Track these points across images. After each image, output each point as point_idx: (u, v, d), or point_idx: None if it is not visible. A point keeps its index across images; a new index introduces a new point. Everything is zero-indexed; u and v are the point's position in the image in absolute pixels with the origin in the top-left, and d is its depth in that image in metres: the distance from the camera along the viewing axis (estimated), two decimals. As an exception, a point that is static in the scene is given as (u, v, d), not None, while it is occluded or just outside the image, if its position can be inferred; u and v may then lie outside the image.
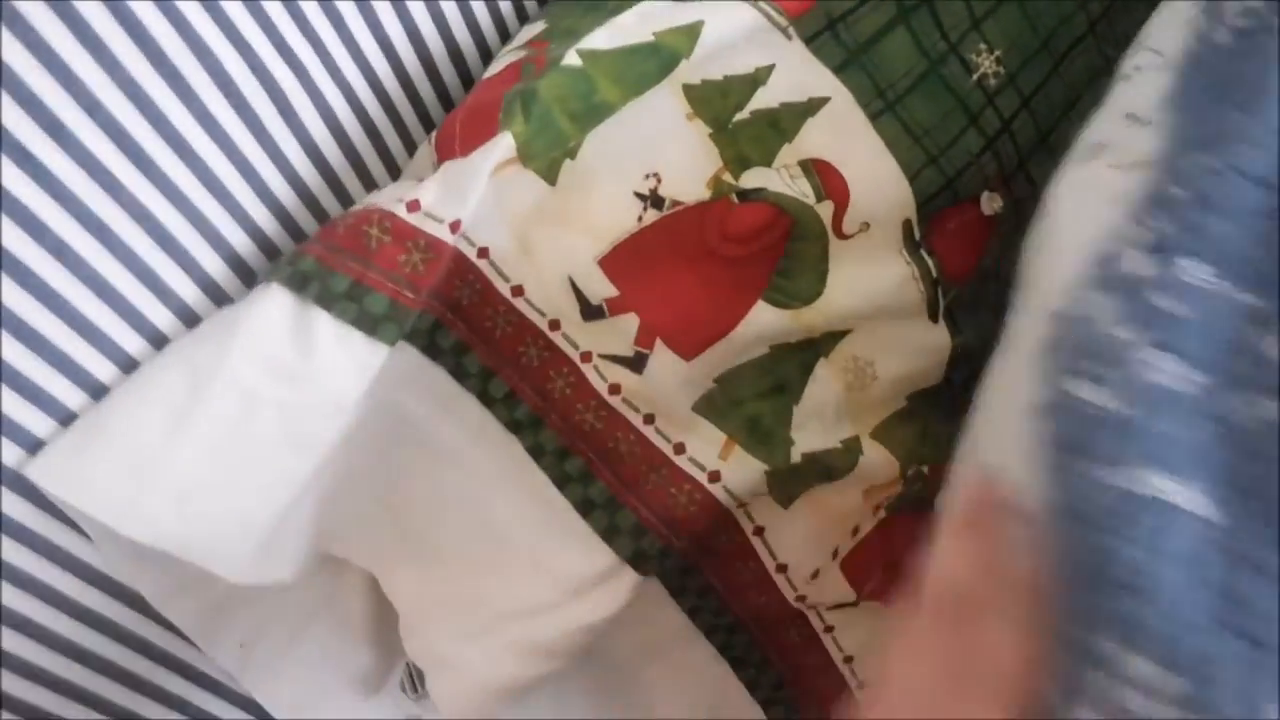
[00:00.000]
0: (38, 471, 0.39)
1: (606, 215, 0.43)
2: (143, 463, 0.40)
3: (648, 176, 0.43)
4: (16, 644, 0.41)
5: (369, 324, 0.41)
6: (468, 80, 0.49)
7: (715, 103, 0.44)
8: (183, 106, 0.39)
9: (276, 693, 0.50)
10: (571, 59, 0.42)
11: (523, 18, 0.50)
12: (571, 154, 0.43)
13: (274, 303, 0.41)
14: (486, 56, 0.49)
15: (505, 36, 0.50)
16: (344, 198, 0.46)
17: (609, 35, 0.43)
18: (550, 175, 0.43)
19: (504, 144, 0.41)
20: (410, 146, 0.48)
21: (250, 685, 0.49)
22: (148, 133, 0.38)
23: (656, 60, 0.43)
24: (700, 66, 0.43)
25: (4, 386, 0.38)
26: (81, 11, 0.35)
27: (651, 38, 0.43)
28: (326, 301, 0.41)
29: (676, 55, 0.43)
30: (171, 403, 0.40)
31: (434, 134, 0.45)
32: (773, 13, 0.44)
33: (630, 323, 0.44)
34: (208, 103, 0.40)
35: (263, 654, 0.49)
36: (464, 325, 0.45)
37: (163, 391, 0.40)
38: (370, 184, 0.47)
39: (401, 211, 0.41)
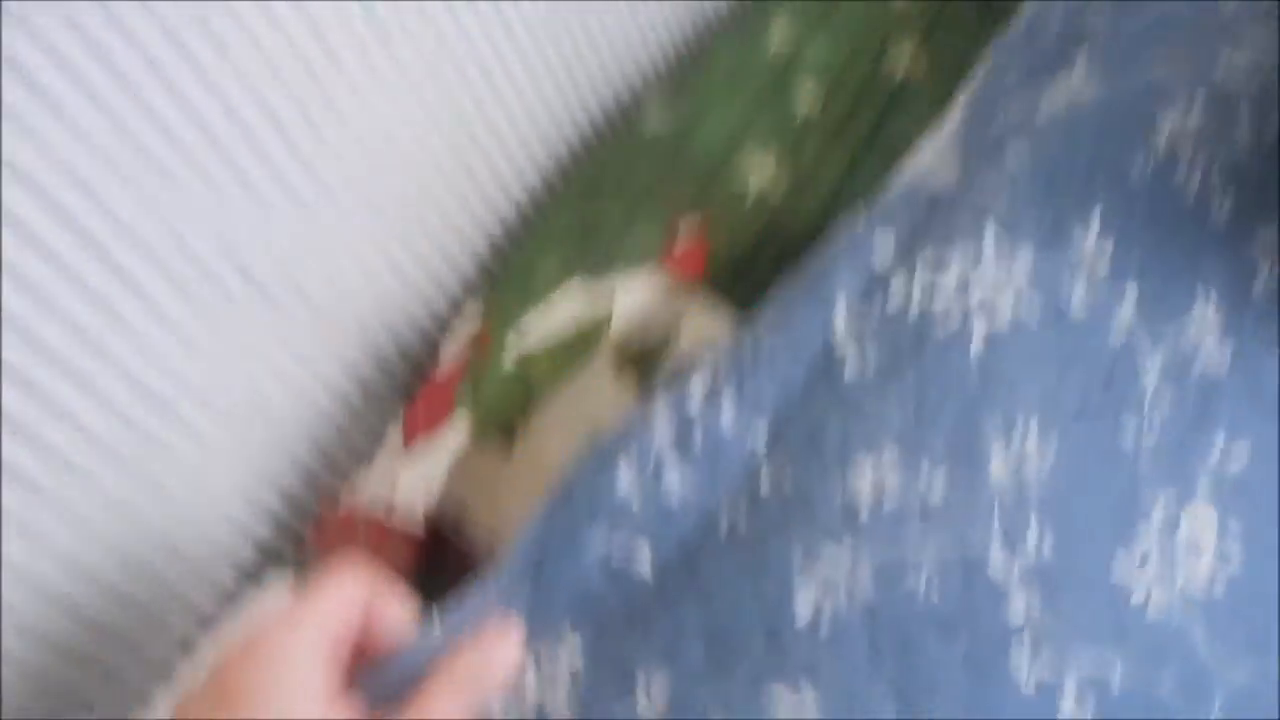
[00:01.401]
0: None
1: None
2: None
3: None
4: None
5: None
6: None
7: (639, 361, 0.50)
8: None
9: None
10: (509, 365, 0.49)
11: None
12: (524, 426, 0.49)
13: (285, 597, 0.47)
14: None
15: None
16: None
17: (539, 317, 0.50)
18: (506, 450, 0.49)
19: (459, 429, 0.48)
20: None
21: None
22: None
23: (582, 343, 0.50)
24: (623, 332, 0.50)
25: None
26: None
27: (574, 328, 0.50)
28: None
29: (599, 334, 0.50)
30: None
31: (399, 424, 0.51)
32: (675, 276, 0.51)
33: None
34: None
35: None
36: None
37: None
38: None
39: (380, 514, 0.48)
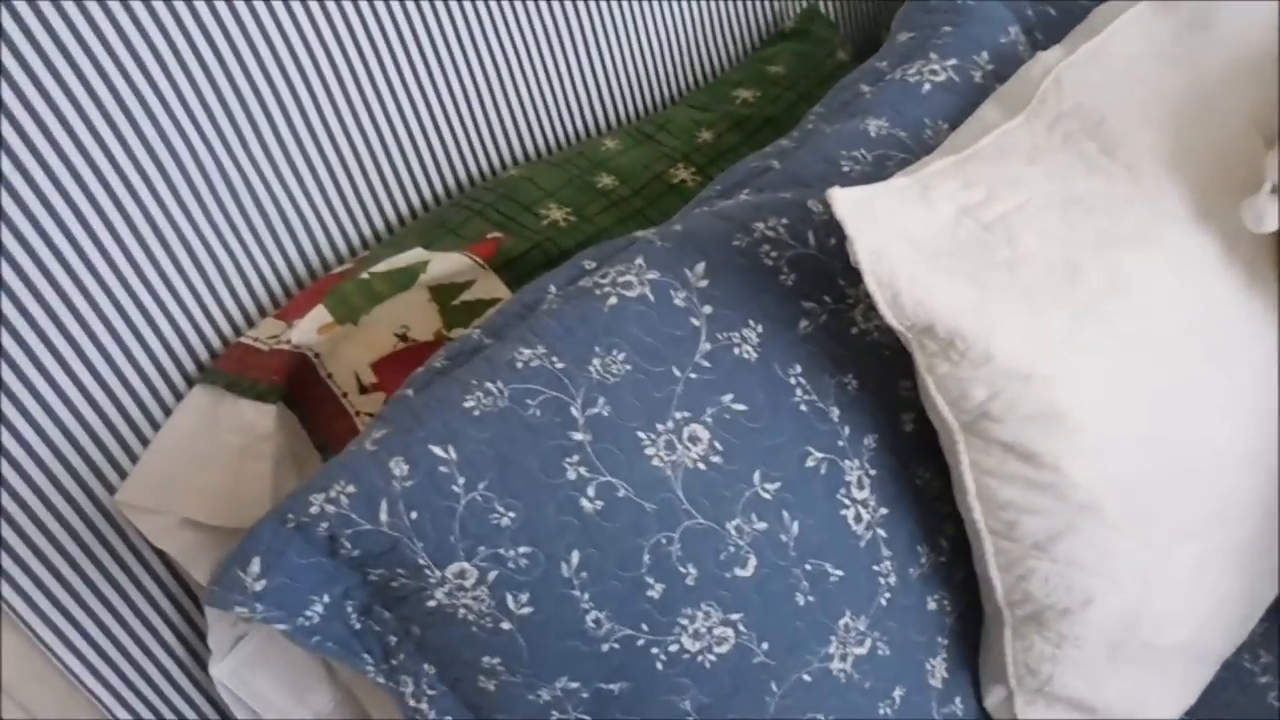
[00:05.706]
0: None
1: (379, 343, 0.87)
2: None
3: (402, 327, 0.88)
4: None
5: (257, 396, 0.84)
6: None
7: (443, 293, 0.88)
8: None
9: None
10: (364, 275, 0.87)
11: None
12: (366, 311, 0.87)
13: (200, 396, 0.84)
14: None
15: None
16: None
17: (386, 265, 0.88)
18: (354, 321, 0.86)
19: (321, 313, 0.85)
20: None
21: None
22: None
23: (410, 272, 0.88)
24: (435, 274, 0.88)
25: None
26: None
27: (406, 265, 0.88)
28: (237, 389, 0.84)
29: (420, 270, 0.88)
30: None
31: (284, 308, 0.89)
32: (472, 257, 0.89)
33: (380, 398, 0.87)
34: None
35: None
36: (299, 391, 0.88)
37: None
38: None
39: (264, 346, 0.85)
